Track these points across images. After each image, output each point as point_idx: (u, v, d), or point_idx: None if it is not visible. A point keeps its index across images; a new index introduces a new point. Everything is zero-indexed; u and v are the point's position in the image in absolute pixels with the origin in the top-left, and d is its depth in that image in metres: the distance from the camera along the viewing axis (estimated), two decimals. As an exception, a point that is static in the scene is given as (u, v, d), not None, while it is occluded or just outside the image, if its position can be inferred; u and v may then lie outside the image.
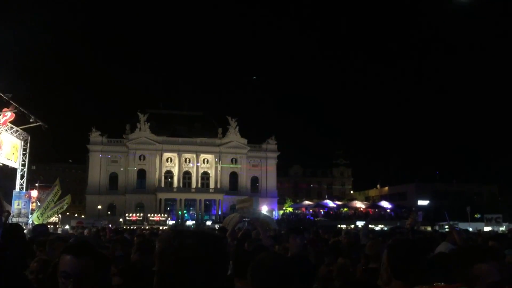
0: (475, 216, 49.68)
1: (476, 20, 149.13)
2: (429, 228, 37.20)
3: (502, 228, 35.80)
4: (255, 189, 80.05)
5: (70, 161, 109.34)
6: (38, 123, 30.20)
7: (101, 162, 75.76)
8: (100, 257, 2.26)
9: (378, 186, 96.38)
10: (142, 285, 3.24)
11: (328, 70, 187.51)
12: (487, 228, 35.13)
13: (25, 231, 16.68)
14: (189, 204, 75.22)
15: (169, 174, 78.46)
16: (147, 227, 35.20)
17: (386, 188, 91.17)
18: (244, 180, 79.69)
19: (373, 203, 72.13)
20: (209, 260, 1.48)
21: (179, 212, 71.45)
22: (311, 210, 65.21)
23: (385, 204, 67.70)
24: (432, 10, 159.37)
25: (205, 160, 79.75)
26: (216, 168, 79.16)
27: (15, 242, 3.77)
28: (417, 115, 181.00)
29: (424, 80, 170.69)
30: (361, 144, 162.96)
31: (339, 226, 45.12)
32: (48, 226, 19.46)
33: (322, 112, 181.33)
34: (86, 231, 17.96)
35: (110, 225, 23.45)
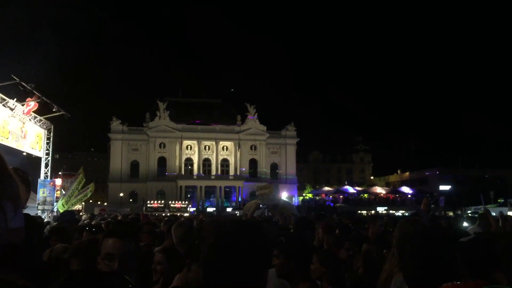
0: (499, 200, 48.93)
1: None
2: (451, 213, 36.81)
3: (527, 213, 35.22)
4: (275, 176, 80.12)
5: (92, 149, 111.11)
6: (61, 113, 30.56)
7: (122, 150, 76.66)
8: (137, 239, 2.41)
9: (398, 171, 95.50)
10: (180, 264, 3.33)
11: (347, 55, 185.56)
12: (510, 213, 34.60)
13: (49, 219, 17.01)
14: (209, 191, 75.74)
15: (189, 161, 79.03)
16: (168, 214, 35.57)
17: (407, 173, 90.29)
18: (263, 167, 79.81)
19: (393, 189, 71.59)
20: (252, 247, 1.48)
21: (200, 199, 72.06)
22: (331, 196, 65.06)
23: (406, 189, 67.11)
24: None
25: (225, 147, 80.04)
26: (235, 155, 79.39)
27: (31, 236, 3.79)
28: (438, 100, 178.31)
29: (444, 64, 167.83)
30: (381, 129, 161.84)
31: (359, 212, 44.96)
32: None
33: (342, 97, 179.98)
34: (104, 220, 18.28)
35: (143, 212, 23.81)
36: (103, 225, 8.54)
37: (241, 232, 1.51)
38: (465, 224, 9.77)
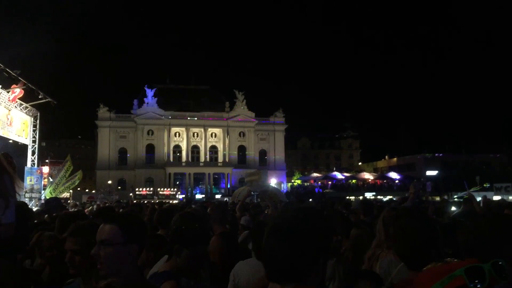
0: (485, 185, 49.52)
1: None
2: (438, 198, 37.23)
3: (512, 197, 35.72)
4: (264, 162, 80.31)
5: (79, 137, 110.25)
6: (47, 99, 30.27)
7: (109, 137, 76.18)
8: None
9: (386, 157, 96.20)
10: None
11: (335, 41, 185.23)
12: (496, 197, 35.07)
13: (37, 208, 16.91)
14: (198, 178, 75.71)
15: (177, 148, 78.84)
16: (157, 201, 35.56)
17: (395, 159, 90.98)
18: (252, 154, 79.90)
19: (381, 174, 72.14)
20: (311, 232, 1.51)
21: (188, 186, 72.02)
22: (319, 182, 65.38)
23: (393, 175, 67.68)
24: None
25: (213, 134, 79.90)
26: (224, 141, 79.33)
27: (19, 224, 3.77)
28: (425, 86, 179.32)
29: (431, 51, 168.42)
30: (369, 116, 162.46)
31: (347, 197, 45.26)
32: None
33: (330, 84, 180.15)
34: (95, 206, 18.26)
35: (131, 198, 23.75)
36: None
37: (301, 217, 1.55)
38: (453, 208, 9.92)
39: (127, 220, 2.38)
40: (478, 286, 1.22)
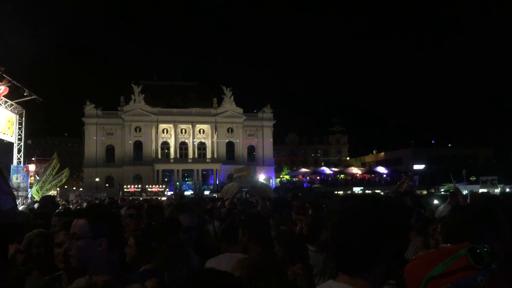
0: (471, 178, 50.09)
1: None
2: (425, 192, 37.62)
3: (497, 190, 36.17)
4: (252, 158, 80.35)
5: (66, 134, 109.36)
6: (32, 97, 29.94)
7: (97, 134, 75.62)
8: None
9: (374, 152, 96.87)
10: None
11: (323, 37, 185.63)
12: (482, 190, 35.51)
13: (25, 206, 16.75)
14: (187, 174, 75.54)
15: (165, 145, 78.55)
16: (146, 198, 35.41)
17: (382, 153, 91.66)
18: (240, 149, 79.89)
19: (369, 169, 72.65)
20: (382, 223, 1.56)
21: (177, 182, 71.82)
22: (308, 178, 65.69)
23: (381, 169, 68.21)
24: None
25: (201, 130, 79.71)
26: (212, 138, 79.21)
27: None
28: (412, 80, 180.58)
29: (420, 46, 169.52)
30: (356, 111, 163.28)
31: (336, 192, 45.52)
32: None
33: (318, 79, 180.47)
34: (85, 204, 18.10)
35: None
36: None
37: (369, 207, 1.62)
38: (435, 201, 10.04)
39: (97, 215, 2.48)
40: (481, 264, 1.26)
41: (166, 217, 3.17)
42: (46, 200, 8.74)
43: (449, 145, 79.98)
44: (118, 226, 2.60)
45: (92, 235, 2.34)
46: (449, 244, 1.44)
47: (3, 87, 26.08)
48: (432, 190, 39.51)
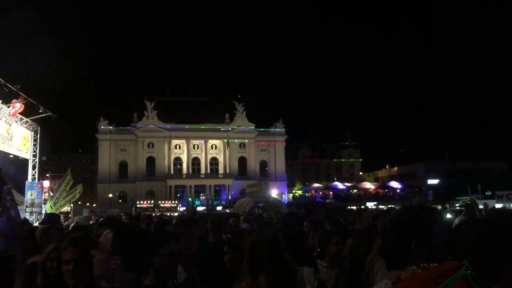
0: (486, 193, 49.41)
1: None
2: (439, 207, 37.16)
3: (513, 205, 35.56)
4: (264, 173, 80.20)
5: (80, 150, 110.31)
6: (47, 114, 30.35)
7: (110, 150, 76.22)
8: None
9: (387, 166, 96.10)
10: None
11: (334, 51, 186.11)
12: (498, 205, 34.98)
13: (37, 223, 16.86)
14: (199, 190, 75.62)
15: (178, 160, 78.82)
16: (158, 214, 35.46)
17: (395, 168, 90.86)
18: (253, 165, 79.84)
19: (382, 184, 72.00)
20: (411, 227, 1.90)
21: (189, 198, 71.88)
22: (320, 193, 65.26)
23: (394, 184, 67.56)
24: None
25: (213, 145, 79.92)
26: (224, 153, 79.32)
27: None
28: (425, 94, 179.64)
29: (431, 59, 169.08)
30: (369, 125, 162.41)
31: (349, 207, 45.17)
32: (61, 215, 19.72)
33: (330, 93, 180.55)
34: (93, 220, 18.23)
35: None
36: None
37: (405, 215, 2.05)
38: (448, 216, 9.92)
39: (123, 232, 2.44)
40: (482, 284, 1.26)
41: (153, 231, 3.15)
42: (50, 218, 8.78)
43: (464, 159, 79.04)
44: (141, 246, 2.45)
45: (111, 250, 2.34)
46: (435, 264, 1.41)
47: (19, 105, 26.49)
48: (447, 205, 38.97)
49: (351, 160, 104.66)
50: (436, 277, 1.31)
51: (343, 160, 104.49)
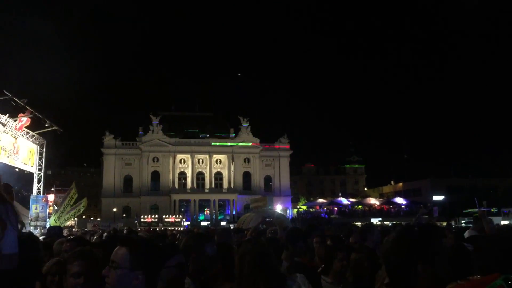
0: (492, 210, 49.06)
1: (485, 10, 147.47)
2: (444, 224, 36.92)
3: (520, 222, 35.30)
4: (269, 188, 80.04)
5: (85, 164, 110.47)
6: (53, 128, 30.57)
7: (115, 165, 76.39)
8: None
9: (392, 182, 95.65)
10: None
11: (339, 67, 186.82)
12: (504, 222, 34.73)
13: (42, 236, 16.85)
14: (203, 204, 75.49)
15: (182, 175, 78.86)
16: (162, 228, 35.40)
17: (400, 184, 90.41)
18: (257, 180, 79.74)
19: (387, 200, 71.64)
20: (412, 245, 1.92)
21: (194, 214, 71.69)
22: (325, 208, 64.97)
23: (399, 200, 67.23)
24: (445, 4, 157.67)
25: (218, 160, 79.98)
26: (229, 168, 79.32)
27: (27, 258, 3.56)
28: (430, 110, 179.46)
29: (436, 74, 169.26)
30: (374, 141, 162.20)
31: (354, 223, 44.88)
32: (65, 229, 19.72)
33: (334, 109, 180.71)
34: (105, 234, 18.14)
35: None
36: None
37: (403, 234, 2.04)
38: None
39: (139, 247, 2.39)
40: None
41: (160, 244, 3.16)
42: (53, 231, 8.80)
43: (469, 175, 78.51)
44: (157, 260, 2.50)
45: (130, 266, 2.28)
46: (479, 276, 1.48)
47: (25, 119, 26.71)
48: (452, 222, 38.70)
49: (356, 175, 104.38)
50: (477, 285, 1.37)
51: (347, 175, 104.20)
